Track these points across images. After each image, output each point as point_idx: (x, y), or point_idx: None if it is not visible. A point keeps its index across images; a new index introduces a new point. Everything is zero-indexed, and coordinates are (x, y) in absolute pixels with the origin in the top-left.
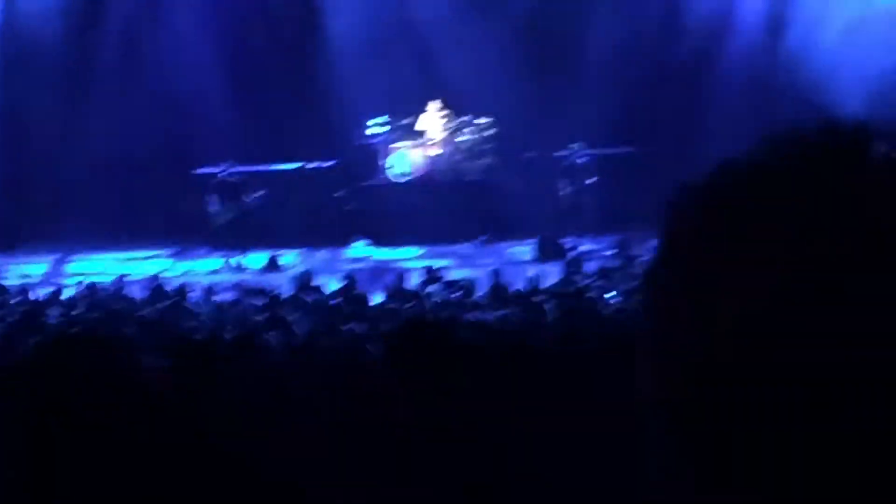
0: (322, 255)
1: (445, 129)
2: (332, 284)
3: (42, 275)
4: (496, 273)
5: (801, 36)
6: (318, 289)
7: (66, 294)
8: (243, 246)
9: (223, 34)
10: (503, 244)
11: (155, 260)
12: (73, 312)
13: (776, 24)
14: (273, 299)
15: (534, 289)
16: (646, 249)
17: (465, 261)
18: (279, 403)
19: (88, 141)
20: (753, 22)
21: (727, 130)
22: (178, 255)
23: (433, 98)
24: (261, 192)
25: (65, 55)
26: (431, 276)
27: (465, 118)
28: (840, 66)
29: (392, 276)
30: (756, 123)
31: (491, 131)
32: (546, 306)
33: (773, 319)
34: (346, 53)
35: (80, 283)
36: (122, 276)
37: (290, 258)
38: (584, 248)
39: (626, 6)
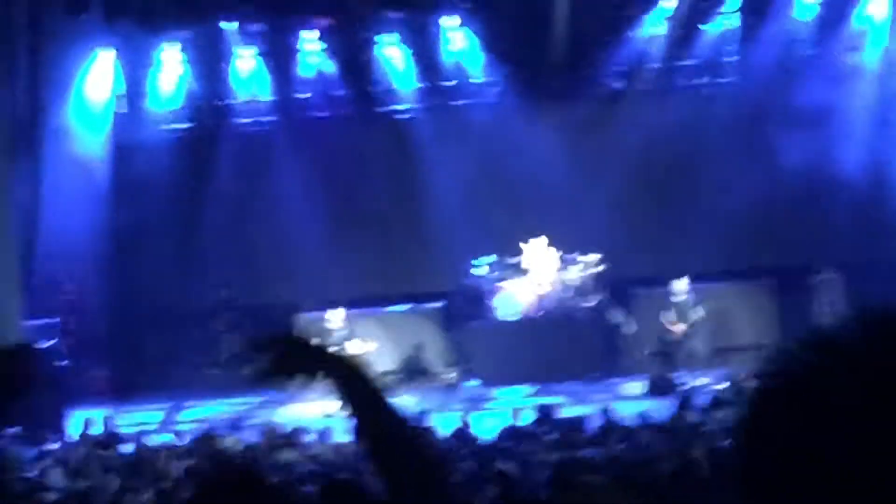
0: (435, 395)
1: (552, 267)
2: (447, 425)
3: (158, 423)
4: (607, 410)
5: None
6: (432, 428)
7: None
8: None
9: (327, 176)
10: (615, 380)
11: (269, 404)
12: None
13: None
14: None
15: (645, 424)
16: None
17: (576, 398)
18: None
19: (199, 286)
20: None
21: (834, 260)
22: (289, 399)
23: (538, 235)
24: (370, 340)
25: (175, 204)
26: (544, 414)
27: (572, 254)
28: None
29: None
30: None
31: (599, 267)
32: (657, 440)
33: None
34: (450, 193)
35: (193, 430)
36: (237, 420)
37: (405, 399)
38: (695, 382)
39: (734, 140)
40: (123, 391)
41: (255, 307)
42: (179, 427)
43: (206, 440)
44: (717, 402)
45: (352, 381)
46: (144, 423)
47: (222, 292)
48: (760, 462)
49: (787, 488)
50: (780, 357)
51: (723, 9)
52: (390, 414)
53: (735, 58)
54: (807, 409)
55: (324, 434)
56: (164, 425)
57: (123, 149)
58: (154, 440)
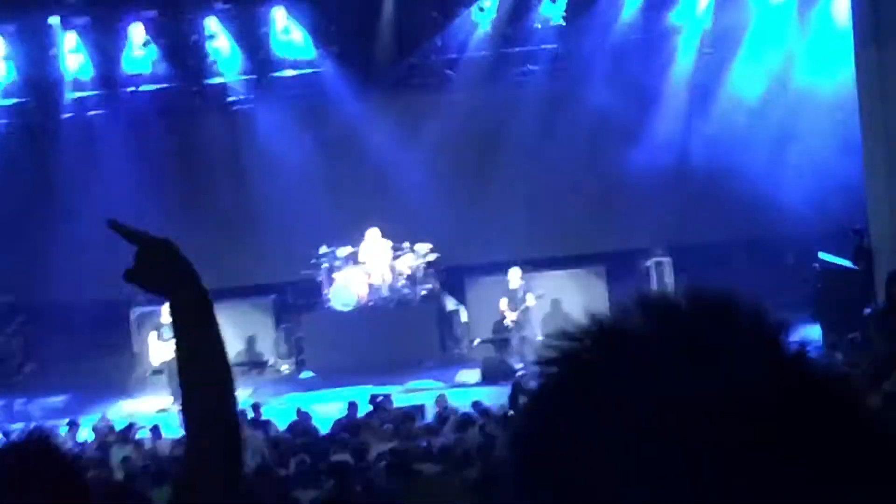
0: (269, 388)
1: (385, 256)
2: (281, 416)
3: None
4: (443, 397)
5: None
6: (268, 422)
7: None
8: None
9: (158, 168)
10: (449, 368)
11: (99, 400)
12: None
13: None
14: None
15: (479, 412)
16: None
17: (411, 387)
18: None
19: (27, 286)
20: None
21: (664, 244)
22: (121, 394)
23: (371, 225)
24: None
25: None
26: (378, 403)
27: (405, 244)
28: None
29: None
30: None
31: (431, 256)
32: (491, 428)
33: None
34: (282, 183)
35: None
36: (70, 420)
37: (238, 392)
38: (528, 369)
39: (562, 121)
40: None
41: (89, 302)
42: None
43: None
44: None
45: (200, 310)
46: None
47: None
48: (534, 458)
49: (563, 479)
50: (559, 345)
51: None
52: (223, 364)
53: (561, 45)
54: (583, 397)
55: (155, 430)
56: None
57: None
58: None
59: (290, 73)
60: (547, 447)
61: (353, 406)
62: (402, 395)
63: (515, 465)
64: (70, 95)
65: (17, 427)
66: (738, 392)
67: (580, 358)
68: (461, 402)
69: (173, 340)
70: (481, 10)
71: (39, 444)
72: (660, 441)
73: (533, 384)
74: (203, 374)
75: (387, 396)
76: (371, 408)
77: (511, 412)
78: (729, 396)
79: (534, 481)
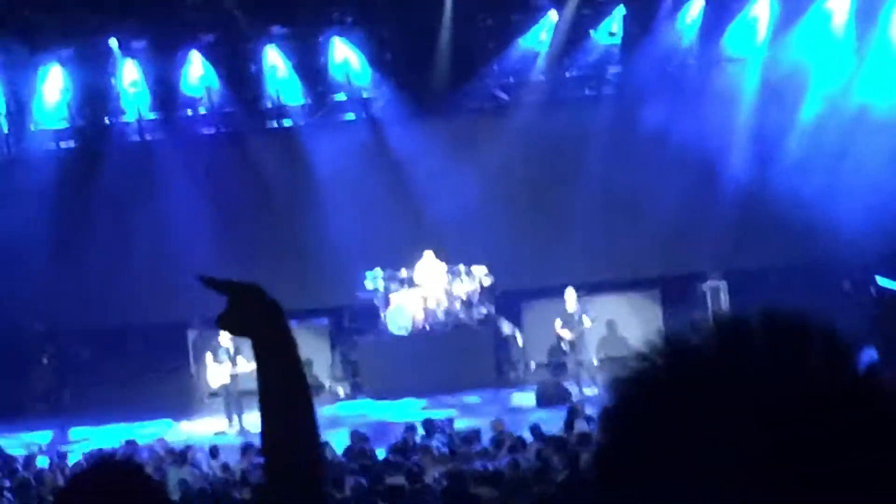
0: (325, 410)
1: (441, 280)
2: (337, 440)
3: (46, 444)
4: (500, 421)
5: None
6: (325, 444)
7: (73, 460)
8: (243, 406)
9: (216, 192)
10: (505, 391)
11: (157, 423)
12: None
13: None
14: None
15: (536, 435)
16: None
17: (468, 410)
18: None
19: (82, 308)
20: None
21: (720, 268)
22: (178, 417)
23: (427, 248)
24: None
25: (58, 225)
26: (435, 427)
27: (461, 267)
28: None
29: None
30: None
31: (487, 279)
32: (547, 452)
33: None
34: (338, 207)
35: (85, 449)
36: (128, 441)
37: None
38: (587, 391)
39: (615, 156)
40: (9, 412)
41: (144, 326)
42: (67, 448)
43: (95, 458)
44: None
45: (283, 348)
46: (32, 444)
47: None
48: (618, 466)
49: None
50: (637, 362)
51: (606, 21)
52: (306, 404)
53: (618, 69)
54: (660, 414)
55: (213, 451)
56: (52, 446)
57: (6, 167)
58: (42, 462)
59: (346, 97)
60: (628, 464)
61: (409, 429)
62: (458, 419)
63: (598, 482)
64: (127, 119)
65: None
66: (812, 411)
67: (657, 377)
68: (517, 425)
69: (230, 363)
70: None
71: (127, 466)
72: (735, 458)
73: (594, 407)
74: (285, 406)
75: (445, 420)
76: (425, 431)
77: (566, 435)
78: (803, 415)
79: (616, 498)
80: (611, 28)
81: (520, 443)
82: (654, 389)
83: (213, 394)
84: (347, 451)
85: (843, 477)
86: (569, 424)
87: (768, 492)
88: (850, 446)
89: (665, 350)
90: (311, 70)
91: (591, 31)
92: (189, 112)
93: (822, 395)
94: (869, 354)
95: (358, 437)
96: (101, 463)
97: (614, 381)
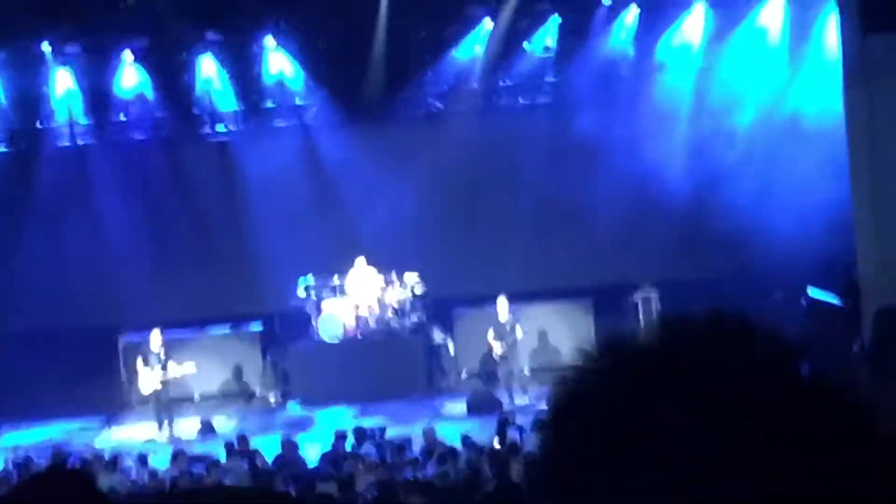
0: (256, 419)
1: (373, 287)
2: (267, 447)
3: None
4: (431, 430)
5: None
6: (255, 452)
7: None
8: (173, 412)
9: (147, 198)
10: (436, 400)
11: (87, 429)
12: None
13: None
14: (212, 465)
15: (466, 445)
16: None
17: (398, 418)
18: None
19: (12, 311)
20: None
21: (652, 278)
22: (108, 423)
23: (358, 255)
24: (189, 362)
25: None
26: (365, 435)
27: (392, 274)
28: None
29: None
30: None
31: (419, 287)
32: (477, 461)
33: None
34: (270, 214)
35: (14, 455)
36: (57, 445)
37: (225, 422)
38: (518, 401)
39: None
40: None
41: (75, 330)
42: None
43: (23, 465)
44: (538, 422)
45: None
46: None
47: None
48: (557, 469)
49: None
50: (577, 364)
51: (540, 30)
52: None
53: (552, 78)
54: (605, 413)
55: (142, 458)
56: None
57: None
58: None
59: (279, 105)
60: (569, 467)
61: (339, 438)
62: (389, 427)
63: (531, 489)
64: (60, 123)
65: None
66: (760, 407)
67: (601, 377)
68: (448, 434)
69: (160, 369)
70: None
71: (72, 475)
72: (681, 455)
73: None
74: None
75: (377, 429)
76: (356, 439)
77: (498, 446)
78: (752, 411)
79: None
80: (545, 39)
81: (450, 452)
82: (599, 389)
83: (144, 400)
84: (277, 460)
85: (790, 474)
86: (500, 434)
87: (714, 489)
88: (800, 445)
89: (608, 350)
90: (245, 77)
91: (526, 42)
92: (122, 117)
93: (770, 392)
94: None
95: (288, 446)
96: (49, 471)
97: (559, 382)
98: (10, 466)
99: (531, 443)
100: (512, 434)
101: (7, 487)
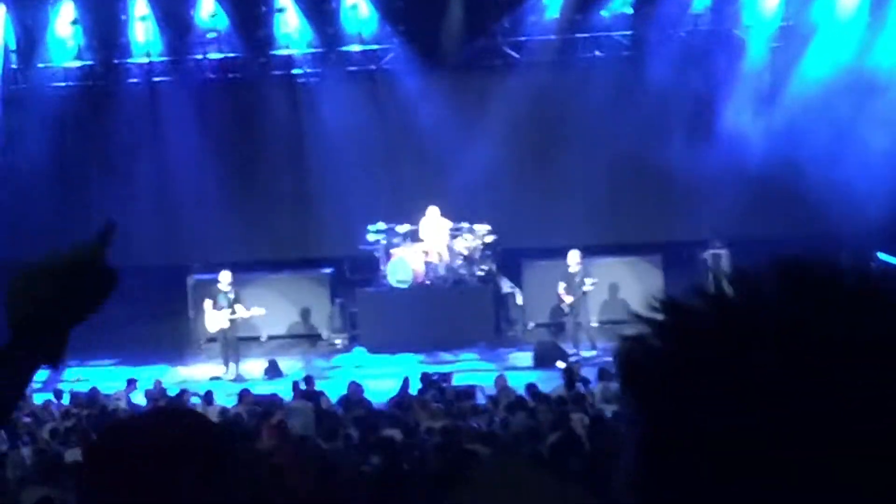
0: (323, 361)
1: (444, 235)
2: (333, 389)
3: (42, 381)
4: (503, 378)
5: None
6: (321, 393)
7: (67, 399)
8: (240, 352)
9: (221, 138)
10: (503, 350)
11: (155, 366)
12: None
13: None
14: (277, 404)
15: (532, 395)
16: None
17: (465, 366)
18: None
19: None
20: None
21: (722, 236)
22: (176, 360)
23: (430, 203)
24: (257, 307)
25: (64, 162)
26: (432, 381)
27: (463, 224)
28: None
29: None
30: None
31: (490, 237)
32: (543, 411)
33: None
34: (343, 159)
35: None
36: (129, 380)
37: (291, 364)
38: (583, 354)
39: (621, 117)
40: None
41: (144, 268)
42: (63, 386)
43: (90, 398)
44: (604, 374)
45: None
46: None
47: None
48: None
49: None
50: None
51: None
52: None
53: (629, 32)
54: (701, 367)
55: (207, 396)
56: (48, 384)
57: (13, 103)
58: (37, 399)
59: (356, 48)
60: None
61: (406, 383)
62: (456, 375)
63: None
64: (136, 60)
65: (72, 388)
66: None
67: (693, 328)
68: (514, 384)
69: (228, 309)
70: None
71: (189, 415)
72: (800, 393)
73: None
74: None
75: (444, 375)
76: (423, 386)
77: (564, 396)
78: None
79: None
80: (621, 6)
81: (517, 401)
82: (694, 340)
83: (211, 339)
84: (342, 400)
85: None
86: (568, 385)
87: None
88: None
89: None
90: (323, 19)
91: (603, 11)
92: (198, 56)
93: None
94: None
95: (354, 388)
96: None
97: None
98: (75, 399)
99: (598, 395)
100: (578, 386)
101: (76, 420)
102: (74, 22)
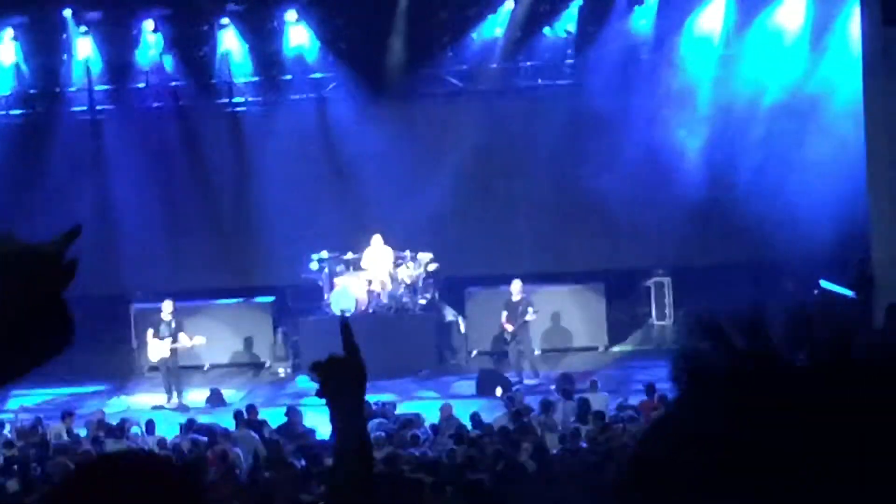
0: (265, 390)
1: (387, 264)
2: (275, 418)
3: None
4: (448, 407)
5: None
6: (263, 422)
7: (8, 429)
8: (182, 381)
9: (162, 167)
10: (446, 378)
11: (96, 395)
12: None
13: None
14: (220, 434)
15: (474, 423)
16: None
17: (407, 395)
18: None
19: None
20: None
21: (665, 264)
22: (117, 390)
23: (373, 232)
24: (199, 336)
25: (2, 193)
26: (374, 411)
27: (406, 252)
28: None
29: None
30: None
31: (432, 266)
32: (485, 440)
33: None
34: (286, 187)
35: (19, 417)
36: (65, 412)
37: (234, 393)
38: (528, 381)
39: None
40: None
41: (87, 297)
42: (2, 415)
43: (32, 429)
44: (546, 403)
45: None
46: None
47: None
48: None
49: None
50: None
51: (562, 15)
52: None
53: (572, 60)
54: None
55: (149, 426)
56: None
57: None
58: None
59: (298, 76)
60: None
61: None
62: (398, 404)
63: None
64: (78, 88)
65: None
66: None
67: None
68: (457, 412)
69: (170, 338)
70: (494, 13)
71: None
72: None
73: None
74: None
75: (387, 404)
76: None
77: (509, 424)
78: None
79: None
80: (567, 25)
81: (458, 431)
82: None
83: (153, 368)
84: (282, 428)
85: None
86: (513, 414)
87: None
88: None
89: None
90: (265, 49)
91: (547, 28)
92: (140, 85)
93: None
94: None
95: (293, 414)
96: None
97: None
98: (16, 429)
99: (540, 423)
100: (520, 415)
101: (14, 450)
102: (15, 48)
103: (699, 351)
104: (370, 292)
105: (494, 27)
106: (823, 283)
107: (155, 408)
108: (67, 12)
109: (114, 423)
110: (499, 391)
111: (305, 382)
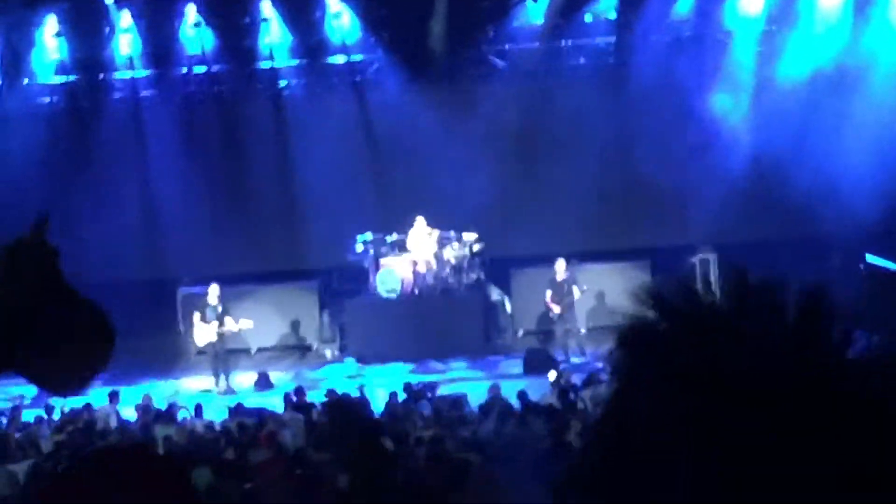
0: (312, 372)
1: (431, 245)
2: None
3: (33, 397)
4: (496, 387)
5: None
6: (312, 405)
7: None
8: (230, 365)
9: (206, 151)
10: (492, 358)
11: (144, 380)
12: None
13: None
14: (268, 417)
15: (522, 403)
16: None
17: (454, 375)
18: None
19: (71, 263)
20: None
21: (711, 241)
22: (165, 374)
23: (418, 213)
24: (246, 319)
25: (49, 179)
26: (421, 391)
27: (451, 232)
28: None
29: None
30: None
31: (477, 246)
32: (532, 419)
33: None
34: (330, 169)
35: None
36: (113, 393)
37: (281, 376)
38: (574, 360)
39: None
40: None
41: (133, 282)
42: (52, 401)
43: (79, 414)
44: (593, 380)
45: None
46: (17, 397)
47: None
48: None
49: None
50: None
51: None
52: None
53: (614, 38)
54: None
55: (197, 409)
56: (38, 400)
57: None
58: (27, 416)
59: (340, 59)
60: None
61: (394, 393)
62: (444, 385)
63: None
64: (121, 75)
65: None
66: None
67: (654, 339)
68: (504, 392)
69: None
70: (535, 1)
71: (139, 447)
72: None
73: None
74: None
75: (430, 384)
76: (410, 396)
77: (554, 403)
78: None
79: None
80: (607, 10)
81: (507, 410)
82: (651, 352)
83: (200, 352)
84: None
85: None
86: (561, 393)
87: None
88: (800, 420)
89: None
90: (307, 32)
91: (588, 14)
92: (183, 70)
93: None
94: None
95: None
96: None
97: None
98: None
99: (587, 401)
100: (567, 393)
101: (67, 436)
102: (58, 34)
103: (643, 320)
104: (415, 273)
105: (534, 14)
106: (869, 257)
107: (203, 392)
108: None
109: (162, 407)
110: (552, 375)
111: (352, 364)
